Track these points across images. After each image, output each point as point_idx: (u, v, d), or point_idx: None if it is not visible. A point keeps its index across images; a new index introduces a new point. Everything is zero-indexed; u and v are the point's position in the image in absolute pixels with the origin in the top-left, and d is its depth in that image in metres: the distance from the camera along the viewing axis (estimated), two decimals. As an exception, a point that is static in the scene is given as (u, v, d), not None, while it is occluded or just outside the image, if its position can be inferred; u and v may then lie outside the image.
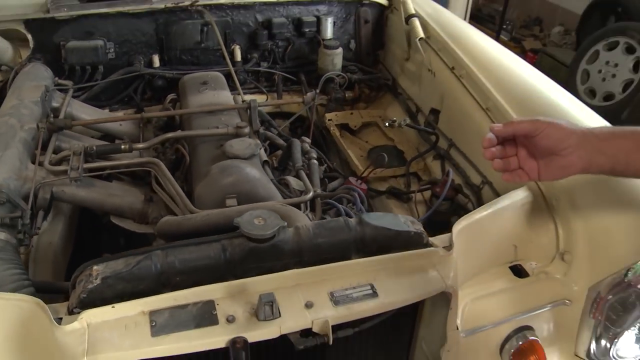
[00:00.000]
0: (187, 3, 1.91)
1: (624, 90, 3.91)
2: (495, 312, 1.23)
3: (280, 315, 0.92)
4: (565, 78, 4.29)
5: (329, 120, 2.03)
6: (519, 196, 1.26)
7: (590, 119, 1.44)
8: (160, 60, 1.97)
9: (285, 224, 1.02)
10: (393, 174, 1.77)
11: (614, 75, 4.03)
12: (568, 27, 5.47)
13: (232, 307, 0.93)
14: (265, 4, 2.04)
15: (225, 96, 1.77)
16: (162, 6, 1.90)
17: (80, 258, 1.17)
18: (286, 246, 1.02)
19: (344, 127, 2.04)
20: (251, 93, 2.04)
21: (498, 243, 1.27)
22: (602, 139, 1.02)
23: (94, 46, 1.84)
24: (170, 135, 1.49)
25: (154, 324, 0.90)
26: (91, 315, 0.90)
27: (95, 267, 0.97)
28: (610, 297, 1.18)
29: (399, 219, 1.11)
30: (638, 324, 1.23)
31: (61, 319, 0.93)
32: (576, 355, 1.31)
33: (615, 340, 1.25)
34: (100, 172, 1.39)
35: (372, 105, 2.19)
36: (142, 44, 1.95)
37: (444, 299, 1.10)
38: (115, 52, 1.91)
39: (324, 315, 0.93)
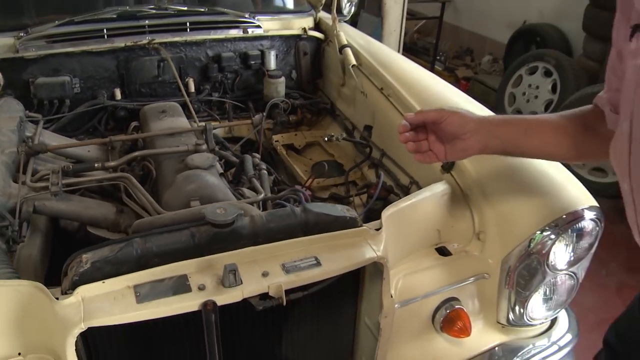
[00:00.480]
0: (145, 41, 2.14)
1: (545, 109, 4.34)
2: (424, 286, 1.47)
3: (242, 283, 1.13)
4: (495, 102, 4.70)
5: (275, 141, 2.27)
6: (439, 188, 1.52)
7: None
8: (122, 93, 2.18)
9: (243, 211, 1.24)
10: (334, 183, 2.01)
11: (536, 97, 4.47)
12: (496, 56, 5.96)
13: (202, 278, 1.13)
14: (214, 40, 2.29)
15: (182, 122, 1.99)
16: (123, 44, 2.12)
17: (56, 272, 1.34)
18: (244, 230, 1.23)
19: (289, 147, 2.28)
20: (205, 120, 2.26)
21: (423, 228, 1.51)
22: (496, 125, 1.27)
23: (61, 82, 2.03)
24: (137, 153, 1.69)
25: (138, 294, 1.09)
26: (85, 290, 1.09)
27: (84, 255, 1.16)
28: (518, 265, 1.44)
29: (337, 208, 1.35)
30: (542, 287, 1.49)
31: (57, 298, 1.11)
32: (498, 322, 1.56)
33: (526, 303, 1.50)
34: (78, 187, 1.58)
35: (314, 127, 2.44)
36: (105, 79, 2.15)
37: (378, 274, 1.33)
38: (81, 86, 2.11)
39: (278, 281, 1.15)
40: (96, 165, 1.62)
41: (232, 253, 1.18)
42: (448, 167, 1.59)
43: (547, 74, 4.43)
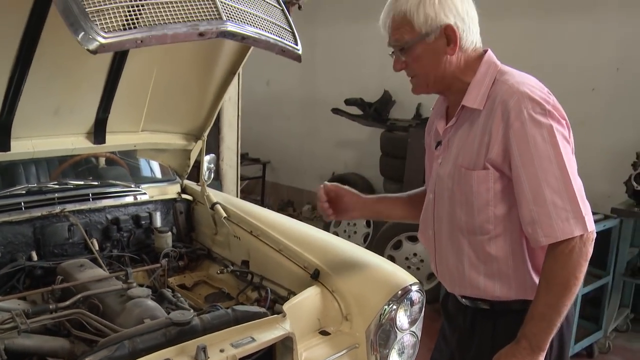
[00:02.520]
0: (57, 210, 2.63)
1: (364, 241, 5.32)
2: (317, 358, 2.09)
3: (209, 357, 1.68)
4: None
5: (170, 282, 2.80)
6: (314, 290, 2.21)
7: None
8: (37, 254, 2.59)
9: (196, 313, 1.81)
10: (227, 306, 2.59)
11: (355, 232, 5.47)
12: (314, 204, 7.02)
13: (182, 358, 1.67)
14: (112, 206, 2.84)
15: (100, 271, 2.46)
16: (39, 214, 2.59)
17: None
18: (198, 326, 1.80)
19: (181, 286, 2.83)
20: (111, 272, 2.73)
21: (307, 317, 2.16)
22: (373, 203, 2.11)
23: (-15, 249, 2.42)
24: (84, 293, 2.14)
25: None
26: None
27: (89, 357, 1.63)
28: (377, 332, 2.13)
29: (253, 307, 1.97)
30: (396, 345, 2.18)
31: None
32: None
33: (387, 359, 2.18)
34: (44, 324, 1.99)
35: (197, 269, 3.02)
36: (22, 244, 2.56)
37: (288, 351, 1.93)
38: (1, 252, 2.50)
39: (232, 353, 1.72)
40: (51, 307, 2.05)
41: (195, 340, 1.73)
42: (316, 275, 2.30)
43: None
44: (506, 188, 1.57)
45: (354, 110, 5.89)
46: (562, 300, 1.51)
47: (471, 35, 1.62)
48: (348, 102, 5.87)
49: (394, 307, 2.12)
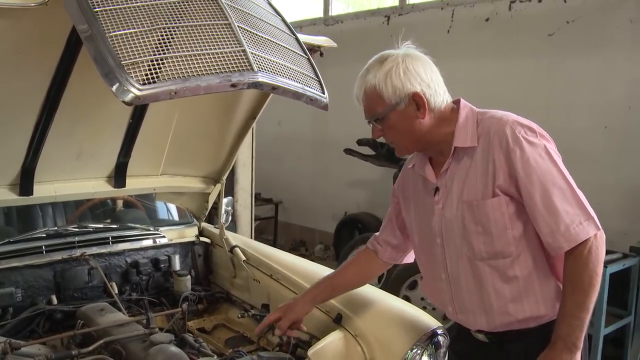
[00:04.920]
0: (78, 254, 2.64)
1: (379, 281, 5.26)
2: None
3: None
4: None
5: (190, 326, 2.79)
6: (336, 335, 2.20)
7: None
8: (57, 298, 2.59)
9: (222, 360, 1.80)
10: (248, 350, 2.57)
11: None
12: (327, 244, 7.02)
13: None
14: (131, 250, 2.85)
15: (120, 315, 2.46)
16: (60, 257, 2.60)
17: None
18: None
19: (201, 330, 2.81)
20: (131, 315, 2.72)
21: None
22: (315, 296, 2.19)
23: (8, 293, 2.42)
24: (107, 339, 2.13)
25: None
26: None
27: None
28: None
29: (280, 354, 1.96)
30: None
31: None
32: None
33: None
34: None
35: (216, 312, 3.01)
36: (43, 287, 2.57)
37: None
38: (22, 295, 2.50)
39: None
40: (74, 352, 2.04)
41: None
42: (338, 320, 2.28)
43: (374, 253, 5.47)
44: (518, 209, 1.69)
45: (366, 150, 5.92)
46: (589, 297, 1.61)
47: (439, 97, 1.74)
48: (360, 142, 5.90)
49: (418, 351, 2.10)
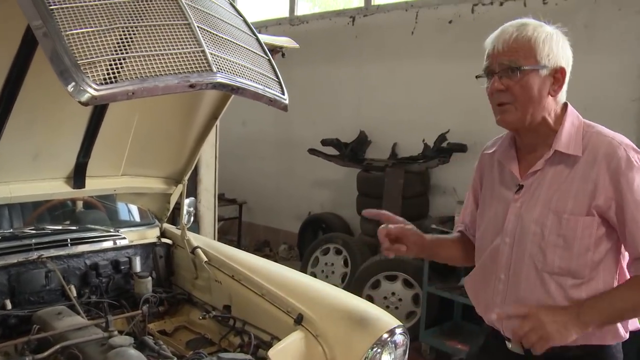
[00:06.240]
0: (34, 257, 2.58)
1: (342, 280, 5.30)
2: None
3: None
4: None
5: (150, 329, 2.75)
6: (298, 335, 2.20)
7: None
8: (12, 302, 2.52)
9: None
10: (209, 352, 2.55)
11: (332, 272, 5.43)
12: (291, 244, 7.01)
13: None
14: (91, 252, 2.80)
15: (79, 319, 2.41)
16: (15, 260, 2.54)
17: None
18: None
19: (162, 332, 2.78)
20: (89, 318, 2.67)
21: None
22: (432, 244, 1.96)
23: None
24: (64, 343, 2.09)
25: None
26: None
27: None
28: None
29: (240, 355, 1.95)
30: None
31: None
32: None
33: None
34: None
35: (177, 314, 2.98)
36: (-4, 288, 2.51)
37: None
38: None
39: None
40: (27, 359, 2.00)
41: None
42: (299, 320, 2.29)
43: (338, 252, 5.47)
44: (605, 234, 1.63)
45: (330, 150, 5.94)
46: (636, 305, 1.59)
47: (565, 89, 1.69)
48: (324, 142, 5.92)
49: (379, 350, 2.12)
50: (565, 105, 1.72)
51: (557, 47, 1.63)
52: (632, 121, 4.55)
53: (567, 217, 1.63)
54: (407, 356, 2.24)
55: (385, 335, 2.14)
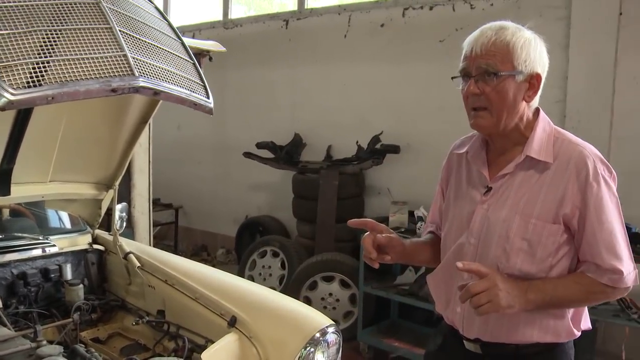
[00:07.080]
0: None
1: (280, 283, 5.33)
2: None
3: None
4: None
5: (83, 337, 2.70)
6: (232, 337, 2.22)
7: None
8: None
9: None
10: (144, 357, 2.53)
11: (270, 275, 5.46)
12: (228, 248, 6.98)
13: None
14: (18, 261, 2.72)
15: (5, 330, 2.34)
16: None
17: None
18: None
19: (95, 340, 2.73)
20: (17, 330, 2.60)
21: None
22: (408, 249, 1.87)
23: None
24: (-10, 355, 2.04)
25: None
26: None
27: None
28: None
29: (172, 359, 1.95)
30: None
31: None
32: None
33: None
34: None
35: (111, 321, 2.93)
36: None
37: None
38: None
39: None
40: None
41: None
42: (233, 322, 2.30)
43: (275, 254, 5.49)
44: (566, 241, 1.67)
45: (266, 153, 5.96)
46: (578, 301, 1.68)
47: (539, 93, 1.71)
48: (259, 145, 5.94)
49: (312, 349, 2.16)
50: (537, 111, 1.75)
51: (534, 53, 1.64)
52: (555, 121, 4.76)
53: (534, 221, 1.65)
54: (340, 354, 2.29)
55: (318, 335, 2.18)
